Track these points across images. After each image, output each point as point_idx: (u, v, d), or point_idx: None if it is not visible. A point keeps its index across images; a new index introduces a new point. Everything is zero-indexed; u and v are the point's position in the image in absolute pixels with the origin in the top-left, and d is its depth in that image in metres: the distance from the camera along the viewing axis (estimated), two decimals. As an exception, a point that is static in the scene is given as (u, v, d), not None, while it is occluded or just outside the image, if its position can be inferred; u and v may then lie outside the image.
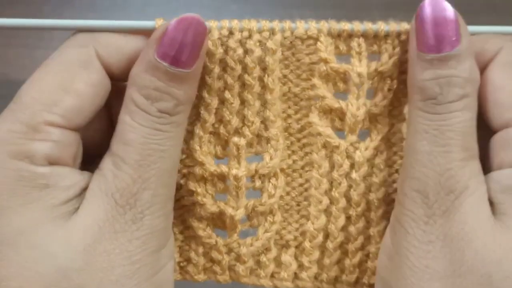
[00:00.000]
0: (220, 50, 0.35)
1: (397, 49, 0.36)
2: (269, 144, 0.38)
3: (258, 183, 0.38)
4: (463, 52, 0.33)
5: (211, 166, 0.37)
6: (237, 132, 0.37)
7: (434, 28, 0.33)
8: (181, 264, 0.39)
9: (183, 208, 0.39)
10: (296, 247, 0.39)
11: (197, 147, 0.37)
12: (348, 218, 0.38)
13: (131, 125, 0.33)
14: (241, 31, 0.36)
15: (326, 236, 0.39)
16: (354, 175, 0.38)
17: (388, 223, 0.37)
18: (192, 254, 0.39)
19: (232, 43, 0.35)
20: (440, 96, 0.33)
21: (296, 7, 0.70)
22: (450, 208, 0.33)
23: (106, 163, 0.33)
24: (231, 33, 0.35)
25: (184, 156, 0.38)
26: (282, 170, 0.38)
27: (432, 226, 0.33)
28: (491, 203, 0.34)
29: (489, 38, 0.36)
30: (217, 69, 0.36)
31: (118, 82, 0.35)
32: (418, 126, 0.34)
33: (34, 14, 0.73)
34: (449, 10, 0.33)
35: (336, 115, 0.38)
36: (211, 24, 0.35)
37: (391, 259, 0.35)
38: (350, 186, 0.38)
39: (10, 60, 0.71)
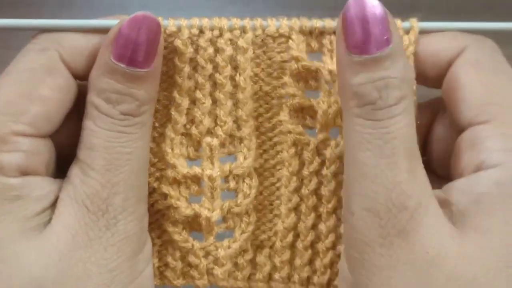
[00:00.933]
0: (190, 50, 0.35)
1: None
2: (242, 144, 0.37)
3: (232, 183, 0.38)
4: (396, 50, 0.31)
5: (184, 168, 0.37)
6: (210, 132, 0.37)
7: (364, 27, 0.31)
8: (160, 269, 0.39)
9: (159, 212, 0.38)
10: (270, 247, 0.39)
11: (169, 150, 0.36)
12: (319, 216, 0.38)
13: (94, 130, 0.32)
14: (212, 29, 0.35)
15: (297, 235, 0.38)
16: (325, 171, 0.37)
17: None
18: (170, 259, 0.38)
19: (202, 42, 0.35)
20: (379, 100, 0.31)
21: (295, 8, 0.70)
22: (407, 228, 0.30)
23: (74, 171, 0.33)
24: (201, 32, 0.35)
25: (156, 159, 0.37)
26: (255, 169, 0.38)
27: (389, 248, 0.30)
28: (455, 213, 0.31)
29: (455, 35, 0.35)
30: (187, 69, 0.35)
31: (84, 81, 0.35)
32: (358, 135, 0.31)
33: (34, 16, 0.72)
34: (378, 7, 0.31)
35: (307, 113, 0.38)
36: (181, 23, 0.35)
37: (350, 287, 0.32)
38: (320, 183, 0.38)
39: (9, 60, 0.71)
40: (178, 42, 0.35)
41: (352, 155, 0.32)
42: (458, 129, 0.34)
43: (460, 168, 0.33)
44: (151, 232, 0.38)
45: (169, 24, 0.35)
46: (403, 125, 0.31)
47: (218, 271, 0.37)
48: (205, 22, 0.35)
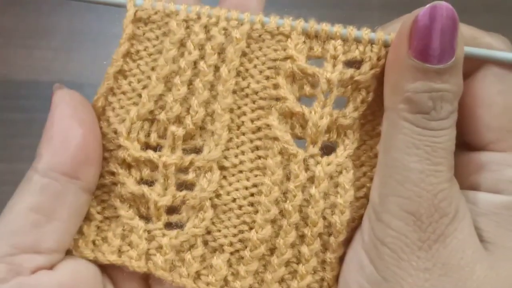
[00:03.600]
0: (182, 32, 0.35)
1: (382, 61, 0.34)
2: (211, 138, 0.36)
3: (192, 175, 0.36)
4: (457, 65, 0.31)
5: (137, 152, 0.35)
6: (179, 121, 0.36)
7: (435, 37, 0.30)
8: (96, 242, 0.36)
9: (104, 187, 0.36)
10: (232, 253, 0.36)
11: (124, 132, 0.35)
12: (302, 236, 0.35)
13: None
14: (209, 17, 0.35)
15: (272, 249, 0.36)
16: (313, 190, 0.35)
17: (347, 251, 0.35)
18: (110, 234, 0.36)
19: (196, 27, 0.35)
20: (433, 112, 0.30)
21: (295, 7, 0.70)
22: (445, 233, 0.31)
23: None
24: (198, 17, 0.35)
25: (104, 141, 0.36)
26: (224, 167, 0.36)
27: (427, 252, 0.30)
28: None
29: (480, 36, 0.33)
30: (174, 52, 0.35)
31: None
32: (406, 139, 0.31)
33: (33, 14, 0.72)
34: (454, 19, 0.30)
35: (297, 121, 0.36)
36: (180, 7, 0.35)
37: (376, 285, 0.32)
38: (307, 202, 0.35)
39: (9, 60, 0.71)
40: (172, 23, 0.35)
41: (393, 156, 0.31)
42: (469, 143, 0.34)
43: (468, 183, 0.34)
44: (91, 208, 0.36)
45: (168, 5, 0.35)
46: (450, 138, 0.31)
47: (159, 258, 0.35)
48: (204, 9, 0.35)
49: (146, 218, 0.36)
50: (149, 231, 0.36)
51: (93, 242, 0.36)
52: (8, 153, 0.68)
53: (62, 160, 0.32)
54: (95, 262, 0.35)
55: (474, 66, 0.33)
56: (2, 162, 0.68)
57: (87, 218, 0.36)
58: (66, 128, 0.33)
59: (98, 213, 0.36)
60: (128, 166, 0.36)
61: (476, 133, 0.33)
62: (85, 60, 0.71)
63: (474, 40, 0.33)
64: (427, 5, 0.30)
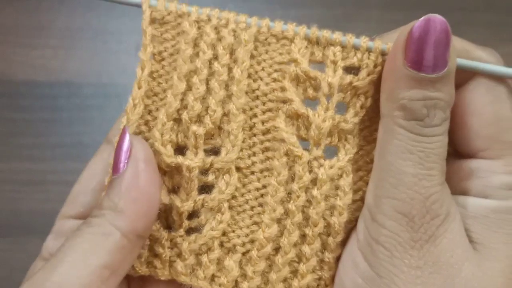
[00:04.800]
0: (195, 31, 0.36)
1: (378, 68, 0.35)
2: (227, 139, 0.37)
3: (211, 177, 0.37)
4: (450, 74, 0.32)
5: (168, 157, 0.36)
6: (200, 121, 0.37)
7: (429, 48, 0.32)
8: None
9: None
10: (243, 254, 0.37)
11: (158, 136, 0.36)
12: (303, 236, 0.37)
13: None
14: (219, 19, 0.36)
15: (276, 249, 0.37)
16: (315, 192, 0.36)
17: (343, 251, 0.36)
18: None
19: (207, 28, 0.36)
20: (427, 119, 0.32)
21: (294, 6, 0.70)
22: (436, 233, 0.32)
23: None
24: (209, 19, 0.36)
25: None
26: (239, 169, 0.37)
27: (419, 251, 0.32)
28: None
29: (472, 50, 0.35)
30: (190, 51, 0.36)
31: None
32: (400, 144, 0.33)
33: (32, 11, 0.72)
34: (447, 32, 0.32)
35: (302, 123, 0.37)
36: (192, 9, 0.36)
37: (370, 282, 0.33)
38: (309, 203, 0.36)
39: (7, 58, 0.70)
40: (185, 23, 0.36)
41: (388, 160, 0.33)
42: (459, 150, 0.35)
43: (458, 188, 0.35)
44: None
45: (181, 7, 0.37)
46: (442, 145, 0.33)
47: (179, 264, 0.36)
48: (214, 11, 0.36)
49: (169, 227, 0.37)
50: (171, 239, 0.37)
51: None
52: (6, 152, 0.68)
53: (144, 225, 0.33)
54: None
55: (465, 77, 0.34)
56: (1, 161, 0.68)
57: None
58: (151, 193, 0.34)
59: None
60: (163, 173, 0.37)
61: (466, 141, 0.35)
62: (84, 59, 0.71)
63: (466, 53, 0.34)
64: (422, 18, 0.32)
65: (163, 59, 0.37)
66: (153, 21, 0.37)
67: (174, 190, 0.37)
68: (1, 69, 0.70)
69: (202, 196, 0.37)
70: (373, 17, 0.68)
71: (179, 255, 0.37)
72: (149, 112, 0.37)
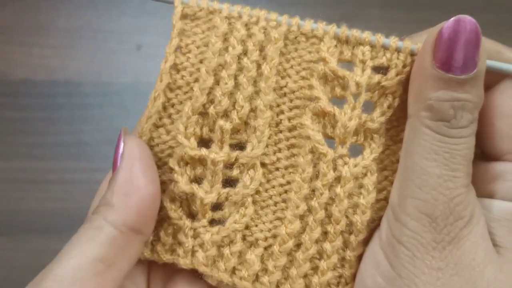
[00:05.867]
0: (225, 26, 0.37)
1: (407, 68, 0.35)
2: (253, 135, 0.37)
3: (236, 172, 0.37)
4: (479, 75, 0.32)
5: (192, 150, 0.37)
6: (226, 115, 0.37)
7: (459, 49, 0.31)
8: (154, 242, 0.38)
9: (163, 185, 0.38)
10: (265, 248, 0.38)
11: (182, 128, 0.37)
12: (325, 233, 0.37)
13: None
14: (250, 16, 0.37)
15: (298, 245, 0.37)
16: (338, 189, 0.36)
17: (366, 250, 0.36)
18: (162, 233, 0.38)
19: (238, 24, 0.37)
20: (454, 120, 0.32)
21: (294, 5, 0.70)
22: (459, 235, 0.32)
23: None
24: (240, 16, 0.37)
25: (169, 137, 0.38)
26: (264, 164, 0.38)
27: (441, 253, 0.32)
28: None
29: (503, 51, 0.35)
30: (219, 45, 0.36)
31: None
32: (426, 145, 0.32)
33: (32, 10, 0.72)
34: (477, 32, 0.32)
35: (328, 121, 0.37)
36: (223, 6, 0.37)
37: (390, 281, 0.33)
38: (332, 200, 0.37)
39: (7, 58, 0.70)
40: (216, 18, 0.37)
41: (413, 160, 0.33)
42: (487, 153, 0.35)
43: (484, 191, 0.35)
44: None
45: (213, 4, 0.38)
46: (469, 146, 0.32)
47: (200, 254, 0.37)
48: (246, 9, 0.37)
49: (193, 216, 0.38)
50: (194, 229, 0.37)
51: (151, 243, 0.38)
52: (6, 151, 0.68)
53: (135, 218, 0.34)
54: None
55: (495, 79, 0.35)
56: (1, 160, 0.68)
57: None
58: (141, 187, 0.34)
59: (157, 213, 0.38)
60: (186, 164, 0.37)
61: (493, 144, 0.35)
62: (84, 58, 0.71)
63: (498, 54, 0.34)
64: (452, 18, 0.32)
65: (189, 51, 0.38)
66: (184, 16, 0.38)
67: (197, 180, 0.37)
68: (1, 68, 0.70)
69: (226, 190, 0.37)
70: (374, 16, 0.69)
71: (201, 245, 0.37)
72: (172, 105, 0.38)
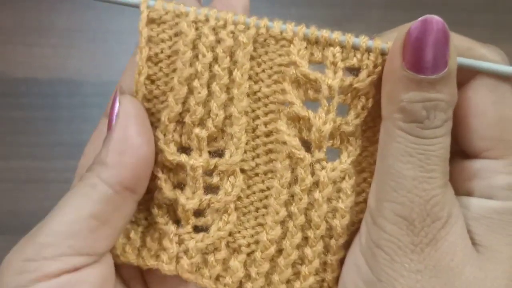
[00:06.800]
0: (193, 32, 0.35)
1: (379, 68, 0.35)
2: (231, 141, 0.37)
3: (216, 179, 0.37)
4: (450, 74, 0.31)
5: (171, 155, 0.36)
6: (202, 124, 0.37)
7: (427, 50, 0.31)
8: (140, 249, 0.38)
9: (150, 193, 0.38)
10: (248, 255, 0.37)
11: (161, 136, 0.36)
12: (306, 238, 0.37)
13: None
14: (217, 19, 0.36)
15: (279, 251, 0.37)
16: (317, 195, 0.36)
17: (346, 253, 0.36)
18: (148, 239, 0.37)
19: (205, 29, 0.35)
20: (427, 120, 0.31)
21: (294, 5, 0.70)
22: (437, 237, 0.32)
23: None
24: (207, 20, 0.36)
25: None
26: (243, 170, 0.37)
27: (419, 255, 0.32)
28: None
29: (475, 48, 0.34)
30: (189, 54, 0.35)
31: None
32: (400, 147, 0.32)
33: (32, 10, 0.72)
34: (445, 31, 0.31)
35: (304, 125, 0.36)
36: (190, 9, 0.35)
37: (371, 286, 0.33)
38: (312, 205, 0.36)
39: (8, 57, 0.70)
40: (182, 24, 0.35)
41: (388, 163, 0.33)
42: (464, 151, 0.35)
43: (462, 188, 0.35)
44: (140, 213, 0.38)
45: (179, 6, 0.36)
46: (443, 146, 0.32)
47: (185, 261, 0.36)
48: (213, 12, 0.36)
49: (178, 222, 0.38)
50: (179, 235, 0.37)
51: (138, 248, 0.38)
52: (6, 150, 0.68)
53: (129, 176, 0.34)
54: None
55: (468, 75, 0.34)
56: (1, 159, 0.68)
57: (135, 223, 0.38)
58: (136, 146, 0.34)
59: (145, 219, 0.38)
60: (168, 170, 0.37)
61: (469, 142, 0.34)
62: (84, 58, 0.71)
63: (469, 51, 0.34)
64: (419, 19, 0.31)
65: (160, 61, 0.37)
66: (150, 21, 0.36)
67: (180, 187, 0.37)
68: (2, 67, 0.70)
69: (208, 196, 0.37)
70: (374, 17, 0.69)
71: (186, 252, 0.37)
72: (152, 114, 0.37)
